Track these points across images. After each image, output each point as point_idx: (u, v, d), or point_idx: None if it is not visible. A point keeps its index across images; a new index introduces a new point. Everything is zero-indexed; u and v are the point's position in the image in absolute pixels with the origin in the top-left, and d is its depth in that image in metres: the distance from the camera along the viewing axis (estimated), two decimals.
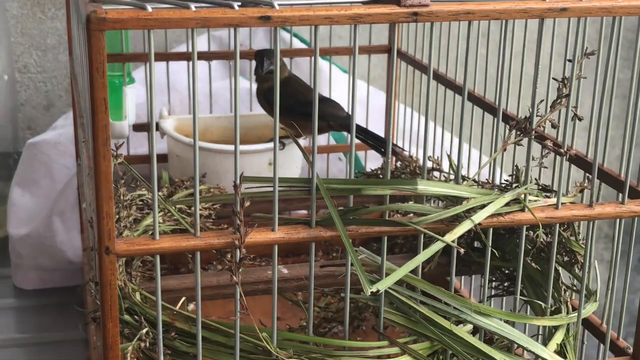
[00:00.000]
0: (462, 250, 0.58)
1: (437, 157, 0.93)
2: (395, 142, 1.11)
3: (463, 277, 0.95)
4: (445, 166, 0.93)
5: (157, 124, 1.06)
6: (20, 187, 1.12)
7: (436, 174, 0.93)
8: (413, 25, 1.02)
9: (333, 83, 1.12)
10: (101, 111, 0.53)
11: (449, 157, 0.82)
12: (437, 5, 0.56)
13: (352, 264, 0.58)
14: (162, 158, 1.07)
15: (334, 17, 0.55)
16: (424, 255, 0.57)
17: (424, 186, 0.57)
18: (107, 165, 0.53)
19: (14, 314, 1.07)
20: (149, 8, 0.52)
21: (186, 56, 1.05)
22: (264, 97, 1.01)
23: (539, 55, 0.59)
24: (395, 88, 1.10)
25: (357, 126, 1.00)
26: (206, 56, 1.06)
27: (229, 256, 0.58)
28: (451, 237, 0.57)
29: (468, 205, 0.58)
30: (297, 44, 1.22)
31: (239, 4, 0.54)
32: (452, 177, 0.86)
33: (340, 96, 1.10)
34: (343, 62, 1.25)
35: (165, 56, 1.05)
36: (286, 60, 1.07)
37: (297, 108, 0.96)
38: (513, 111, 0.84)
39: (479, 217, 0.58)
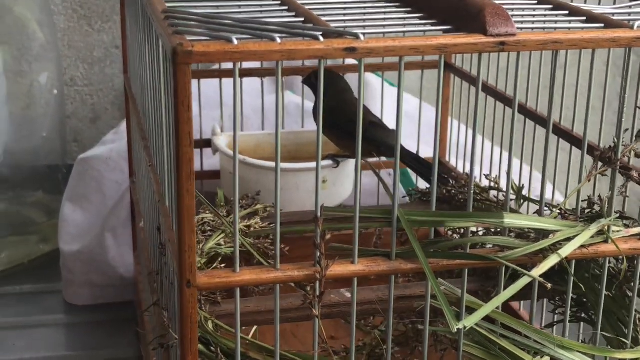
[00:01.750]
0: (549, 286, 0.56)
1: (495, 176, 0.91)
2: (447, 160, 1.10)
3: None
4: (503, 184, 0.92)
5: (209, 141, 1.05)
6: (71, 202, 1.11)
7: (494, 193, 0.92)
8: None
9: (385, 98, 1.11)
10: (186, 145, 0.52)
11: (508, 174, 0.81)
12: (524, 35, 0.55)
13: (432, 296, 0.57)
14: (215, 175, 1.07)
15: (420, 48, 0.54)
16: (511, 291, 0.55)
17: (510, 219, 0.56)
18: (190, 199, 0.53)
19: (64, 331, 1.07)
20: (235, 40, 0.51)
21: (242, 73, 1.05)
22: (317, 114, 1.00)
23: (626, 83, 0.58)
24: (447, 105, 1.08)
25: (410, 154, 0.99)
26: (259, 73, 1.05)
27: (308, 288, 0.57)
28: (538, 272, 0.56)
29: (554, 239, 0.57)
30: (349, 60, 1.21)
31: (321, 32, 0.53)
32: (511, 197, 0.85)
33: (389, 110, 1.09)
34: (391, 75, 1.23)
35: (218, 73, 1.04)
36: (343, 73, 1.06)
37: (349, 128, 0.95)
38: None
39: (566, 251, 0.57)
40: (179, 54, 0.50)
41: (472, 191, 0.57)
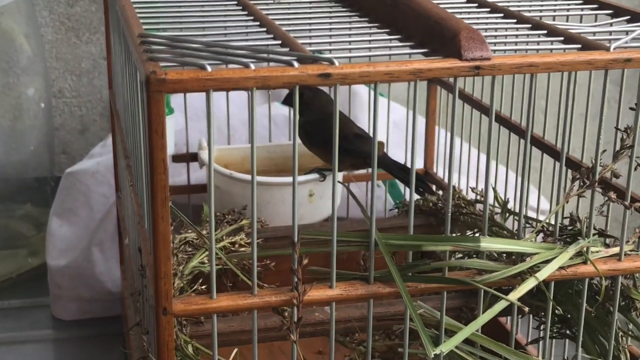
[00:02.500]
0: (526, 309, 0.56)
1: (481, 190, 0.91)
2: (434, 171, 1.10)
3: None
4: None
5: (196, 154, 1.05)
6: (58, 217, 1.11)
7: (480, 206, 0.92)
8: None
9: (370, 107, 1.11)
10: (160, 172, 0.52)
11: (494, 189, 0.80)
12: (499, 59, 0.55)
13: (411, 319, 0.57)
14: (201, 188, 1.07)
15: (394, 73, 0.54)
16: (488, 315, 0.55)
17: (486, 243, 0.56)
18: (165, 226, 0.53)
19: (52, 346, 1.07)
20: (209, 67, 0.51)
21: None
22: (302, 130, 1.00)
23: (604, 105, 0.58)
24: (434, 116, 1.08)
25: (397, 164, 0.99)
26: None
27: (286, 314, 0.57)
28: (516, 295, 0.56)
29: (532, 262, 0.57)
30: None
31: (296, 58, 0.53)
32: (497, 210, 0.84)
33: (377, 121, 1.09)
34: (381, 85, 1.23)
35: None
36: (324, 88, 1.05)
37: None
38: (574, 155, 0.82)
39: (544, 274, 0.57)
40: (152, 82, 0.50)
41: (449, 214, 0.57)
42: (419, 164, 1.10)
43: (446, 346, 0.54)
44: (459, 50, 0.55)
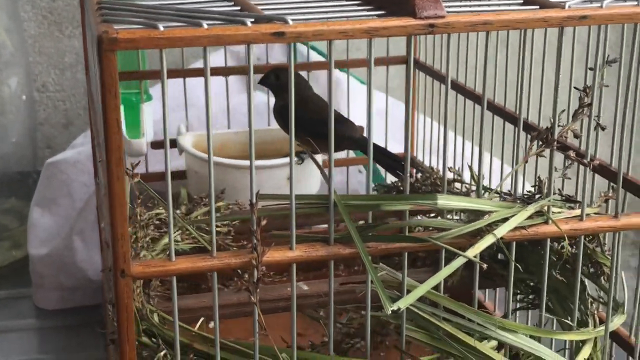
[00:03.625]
0: (484, 266, 0.56)
1: (458, 168, 0.91)
2: (414, 156, 1.10)
3: (487, 289, 0.93)
4: (467, 177, 0.92)
5: (175, 141, 1.05)
6: (39, 206, 1.11)
7: (458, 185, 0.92)
8: (430, 35, 1.01)
9: (352, 95, 1.11)
10: (114, 132, 0.52)
11: (470, 168, 0.81)
12: (453, 17, 0.55)
13: (372, 282, 0.57)
14: (181, 175, 1.07)
15: (348, 32, 0.54)
16: (445, 271, 0.55)
17: (444, 201, 0.56)
18: (121, 186, 0.53)
19: (35, 335, 1.07)
20: (161, 27, 0.51)
21: (202, 72, 1.04)
22: (279, 114, 1.00)
23: (560, 63, 0.58)
24: (414, 100, 1.08)
25: (374, 146, 0.99)
26: (223, 72, 1.05)
27: (247, 276, 0.57)
28: (473, 252, 0.56)
29: (489, 220, 0.57)
30: (315, 57, 1.21)
31: (252, 20, 0.54)
32: (473, 188, 0.85)
33: (359, 108, 1.09)
34: (361, 73, 1.24)
35: (182, 72, 1.04)
36: (303, 73, 1.06)
37: (311, 127, 0.95)
38: (534, 120, 0.83)
39: (501, 231, 0.57)
40: (103, 41, 0.50)
41: (407, 174, 0.57)
42: (400, 149, 1.10)
43: (403, 302, 0.54)
44: (413, 9, 0.55)
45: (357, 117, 1.14)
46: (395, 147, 1.09)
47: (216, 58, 1.20)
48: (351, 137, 0.98)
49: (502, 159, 0.87)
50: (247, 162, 0.99)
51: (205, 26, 0.52)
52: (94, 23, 0.54)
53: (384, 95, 1.20)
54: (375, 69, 1.23)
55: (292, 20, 0.54)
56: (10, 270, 1.19)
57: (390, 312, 0.53)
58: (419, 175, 1.03)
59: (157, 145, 1.06)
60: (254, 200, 0.56)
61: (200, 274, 0.91)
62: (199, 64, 1.23)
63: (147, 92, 1.04)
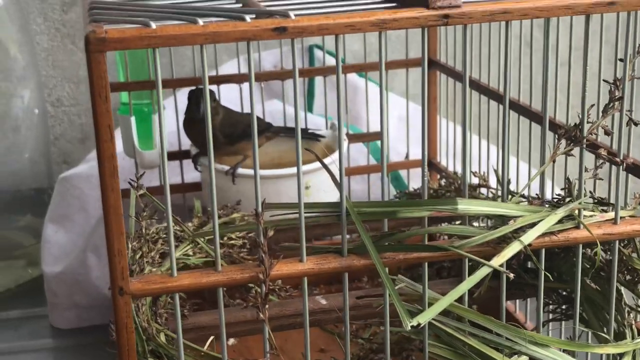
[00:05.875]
0: (511, 276, 0.52)
1: (484, 173, 0.87)
2: (438, 161, 1.06)
3: (518, 300, 0.88)
4: (493, 182, 0.88)
5: (189, 152, 1.02)
6: (53, 223, 1.08)
7: (484, 191, 0.87)
8: (451, 34, 0.97)
9: (370, 100, 1.07)
10: (106, 140, 0.49)
11: (496, 171, 0.76)
12: (469, 6, 0.51)
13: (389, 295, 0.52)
14: (196, 187, 1.03)
15: (356, 25, 0.50)
16: (468, 283, 0.51)
17: (465, 206, 0.51)
18: (115, 198, 0.49)
19: (51, 355, 1.04)
20: (153, 25, 0.48)
21: (215, 80, 1.01)
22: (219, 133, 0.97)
23: (587, 53, 0.53)
24: (434, 103, 1.04)
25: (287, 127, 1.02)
26: (236, 79, 1.02)
27: (254, 291, 0.53)
28: (499, 261, 0.52)
29: (515, 225, 0.52)
30: (331, 62, 1.18)
31: (253, 16, 0.50)
32: (499, 194, 0.80)
33: (378, 113, 1.05)
34: (376, 75, 1.19)
35: (193, 81, 1.01)
36: (319, 77, 1.02)
37: (241, 133, 0.96)
38: (563, 121, 0.78)
39: (529, 237, 0.52)
40: (91, 42, 0.47)
41: (425, 179, 0.53)
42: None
43: (423, 317, 0.50)
44: None
45: (376, 122, 1.10)
46: (418, 153, 1.05)
47: (230, 67, 1.17)
48: (265, 128, 1.00)
49: (530, 163, 0.83)
50: (263, 172, 0.96)
51: (201, 23, 0.48)
52: (84, 24, 0.50)
53: (404, 101, 1.16)
54: (396, 73, 1.20)
55: (295, 15, 0.50)
56: (26, 288, 1.16)
57: (409, 327, 0.49)
58: (443, 181, 0.99)
59: (171, 156, 1.03)
60: (259, 210, 0.52)
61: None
62: (223, 68, 1.19)
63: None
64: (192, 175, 1.06)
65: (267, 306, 0.52)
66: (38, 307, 1.11)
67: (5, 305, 1.12)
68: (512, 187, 0.80)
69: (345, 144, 1.00)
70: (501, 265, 0.52)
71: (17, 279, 1.17)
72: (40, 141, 1.21)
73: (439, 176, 1.03)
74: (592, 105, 0.55)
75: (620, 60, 0.56)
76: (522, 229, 0.53)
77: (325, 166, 0.55)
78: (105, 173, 0.49)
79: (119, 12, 0.52)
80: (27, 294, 1.15)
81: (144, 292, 0.52)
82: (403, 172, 1.10)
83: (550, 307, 0.73)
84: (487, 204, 0.53)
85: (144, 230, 0.68)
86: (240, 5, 0.56)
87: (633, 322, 0.64)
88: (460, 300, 0.55)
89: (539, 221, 0.53)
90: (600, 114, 0.56)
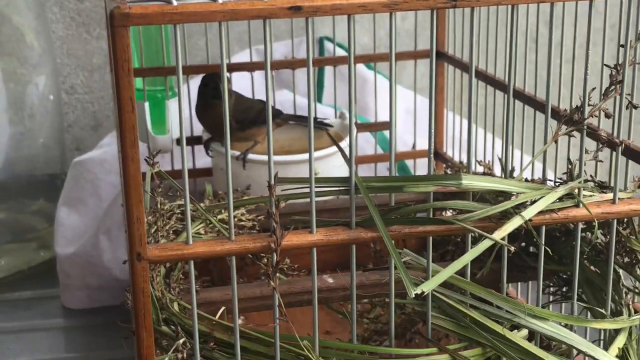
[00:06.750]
0: (512, 249, 0.54)
1: (489, 162, 0.89)
2: (444, 151, 1.08)
3: (520, 284, 0.90)
4: (498, 172, 0.90)
5: (200, 138, 1.04)
6: (66, 206, 1.11)
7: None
8: (459, 26, 0.99)
9: (379, 91, 1.09)
10: (128, 111, 0.51)
11: (500, 160, 0.78)
12: None
13: (395, 267, 0.55)
14: (207, 172, 1.06)
15: (368, 5, 0.52)
16: (471, 254, 0.53)
17: (468, 181, 0.54)
18: (135, 167, 0.51)
19: (63, 334, 1.06)
20: (175, 2, 0.50)
21: (227, 68, 1.03)
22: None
23: (589, 37, 0.56)
24: (441, 96, 1.06)
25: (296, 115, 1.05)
26: (248, 67, 1.04)
27: (265, 260, 0.55)
28: (500, 234, 0.54)
29: (517, 201, 0.55)
30: (340, 53, 1.20)
31: None
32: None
33: (386, 105, 1.07)
34: (387, 69, 1.22)
35: (206, 68, 1.03)
36: (329, 68, 1.04)
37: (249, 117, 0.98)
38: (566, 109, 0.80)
39: (530, 212, 0.54)
40: (115, 17, 0.49)
41: (431, 155, 0.55)
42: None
43: (427, 286, 0.52)
44: None
45: (384, 113, 1.12)
46: (425, 143, 1.07)
47: (242, 56, 1.19)
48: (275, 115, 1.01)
49: (533, 152, 0.85)
50: (273, 158, 0.98)
51: (220, 1, 0.50)
52: (108, 2, 0.53)
53: (412, 94, 1.18)
54: (404, 66, 1.22)
55: None
56: (39, 270, 1.19)
57: (413, 295, 0.51)
58: (449, 170, 1.01)
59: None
60: (272, 183, 0.54)
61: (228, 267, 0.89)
62: (235, 59, 1.21)
63: (173, 88, 1.03)
64: (203, 160, 1.08)
65: (277, 274, 0.54)
66: (49, 289, 1.13)
67: (17, 286, 1.14)
68: (516, 175, 0.82)
69: (353, 132, 1.03)
70: (503, 239, 0.55)
71: (29, 261, 1.19)
72: (55, 127, 1.24)
73: (444, 166, 1.05)
74: (594, 89, 0.57)
75: (622, 46, 0.58)
76: (524, 205, 0.55)
77: (338, 146, 0.58)
78: (126, 143, 0.51)
79: None
80: (39, 276, 1.18)
81: (160, 259, 0.54)
82: (410, 162, 1.12)
83: (551, 289, 0.75)
84: (490, 179, 0.55)
85: (159, 206, 0.71)
86: None
87: (630, 302, 0.66)
88: (463, 275, 0.58)
89: (540, 198, 0.55)
90: (602, 99, 0.58)
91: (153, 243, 0.66)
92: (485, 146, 0.95)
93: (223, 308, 0.64)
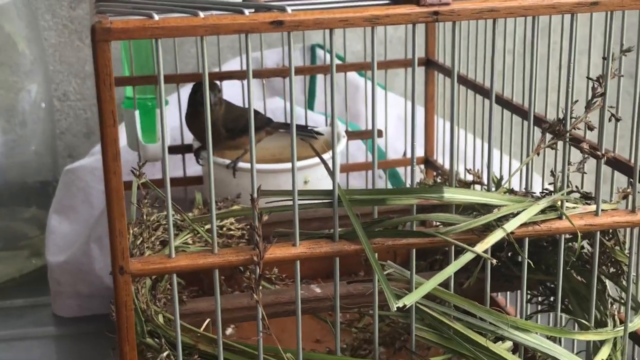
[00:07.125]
0: (494, 262, 0.54)
1: (478, 170, 0.89)
2: (434, 159, 1.08)
3: (509, 293, 0.90)
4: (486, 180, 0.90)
5: (191, 146, 1.05)
6: (57, 214, 1.11)
7: (478, 187, 0.90)
8: (449, 35, 0.99)
9: (369, 97, 1.10)
10: (109, 125, 0.51)
11: (488, 168, 0.79)
12: (458, 4, 0.53)
13: (378, 280, 0.55)
14: (198, 180, 1.06)
15: (349, 20, 0.53)
16: (453, 267, 0.53)
17: (450, 194, 0.54)
18: (117, 180, 0.52)
19: (54, 342, 1.06)
20: (156, 16, 0.50)
21: (218, 76, 1.04)
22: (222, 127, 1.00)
23: (574, 50, 0.56)
24: (432, 103, 1.07)
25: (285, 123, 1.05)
26: (238, 75, 1.04)
27: (248, 274, 0.55)
28: (482, 247, 0.54)
29: (499, 214, 0.55)
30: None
31: (252, 10, 0.52)
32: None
33: (378, 112, 1.08)
34: (379, 77, 1.22)
35: (196, 76, 1.04)
36: (320, 76, 1.05)
37: (243, 128, 0.98)
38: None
39: (512, 225, 0.55)
40: (97, 31, 0.49)
41: (414, 167, 0.55)
42: (421, 153, 1.08)
43: (409, 299, 0.52)
44: None
45: (376, 121, 1.12)
46: (417, 152, 1.07)
47: (234, 64, 1.19)
48: (266, 123, 1.03)
49: (522, 160, 0.85)
50: (263, 166, 0.99)
51: (202, 15, 0.51)
52: (90, 16, 0.53)
53: (403, 101, 1.18)
54: (396, 73, 1.22)
55: (292, 9, 0.52)
56: (30, 278, 1.19)
57: (395, 308, 0.52)
58: (439, 178, 1.01)
59: (173, 150, 1.05)
60: (255, 196, 0.54)
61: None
62: (227, 66, 1.21)
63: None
64: (193, 169, 1.08)
65: (260, 288, 0.55)
66: (41, 296, 1.13)
67: (9, 294, 1.14)
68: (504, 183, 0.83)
69: (343, 140, 1.03)
70: (485, 252, 0.55)
71: (21, 268, 1.19)
72: (47, 135, 1.24)
73: (435, 173, 1.05)
74: (577, 101, 0.58)
75: (604, 58, 0.58)
76: (506, 218, 0.55)
77: (321, 158, 0.58)
78: (108, 156, 0.51)
79: (124, 4, 0.54)
80: (31, 284, 1.18)
81: (143, 272, 0.54)
82: (401, 170, 1.12)
83: (539, 299, 0.75)
84: (472, 193, 0.56)
85: (144, 217, 0.71)
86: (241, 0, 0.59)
87: (616, 313, 0.66)
88: (446, 287, 0.58)
89: (522, 210, 0.55)
90: (585, 109, 0.58)
91: (138, 255, 0.66)
92: (475, 154, 0.96)
93: (208, 320, 0.65)
